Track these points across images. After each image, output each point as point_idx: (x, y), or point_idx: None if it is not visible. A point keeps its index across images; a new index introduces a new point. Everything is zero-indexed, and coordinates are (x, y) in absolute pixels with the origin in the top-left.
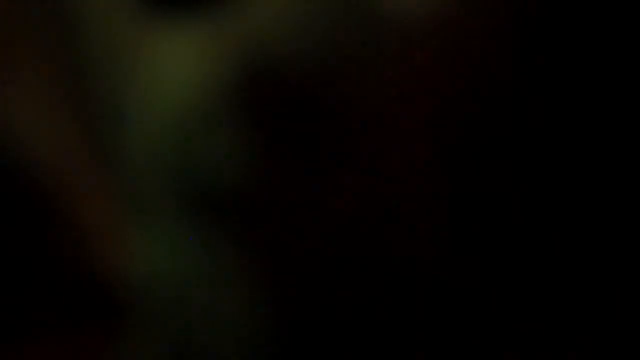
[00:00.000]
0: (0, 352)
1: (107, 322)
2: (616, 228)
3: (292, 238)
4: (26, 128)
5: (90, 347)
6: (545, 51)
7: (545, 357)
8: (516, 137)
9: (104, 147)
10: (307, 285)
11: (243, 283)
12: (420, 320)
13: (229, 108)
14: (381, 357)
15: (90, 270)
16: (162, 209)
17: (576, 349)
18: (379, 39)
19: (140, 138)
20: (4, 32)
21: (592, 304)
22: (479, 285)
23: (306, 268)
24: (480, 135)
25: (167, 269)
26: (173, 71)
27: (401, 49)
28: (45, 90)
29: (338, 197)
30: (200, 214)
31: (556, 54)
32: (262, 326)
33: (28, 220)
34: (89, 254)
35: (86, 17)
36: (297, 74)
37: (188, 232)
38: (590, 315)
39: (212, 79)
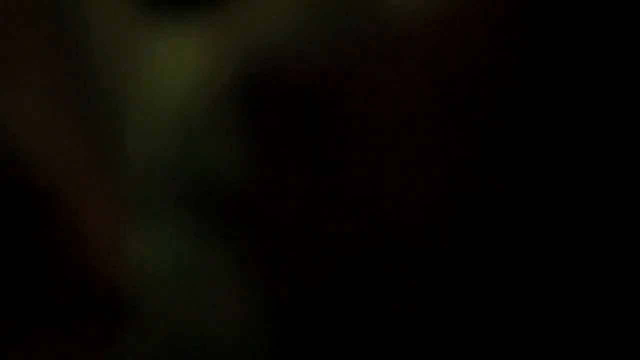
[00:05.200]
0: (0, 352)
1: (107, 322)
2: (617, 229)
3: (292, 238)
4: (26, 128)
5: (90, 347)
6: (547, 51)
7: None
8: (518, 137)
9: (104, 147)
10: (307, 285)
11: (243, 283)
12: (419, 320)
13: (229, 108)
14: (379, 358)
15: (90, 270)
16: (162, 209)
17: (575, 351)
18: (379, 39)
19: (141, 138)
20: (3, 31)
21: (592, 306)
22: (481, 287)
23: (306, 268)
24: (481, 135)
25: (167, 269)
26: (173, 71)
27: (402, 50)
28: (44, 90)
29: (338, 198)
30: (201, 214)
31: (558, 53)
32: (262, 326)
33: (27, 220)
34: (89, 254)
35: (86, 17)
36: (297, 75)
37: (188, 232)
38: (590, 317)
39: (212, 79)
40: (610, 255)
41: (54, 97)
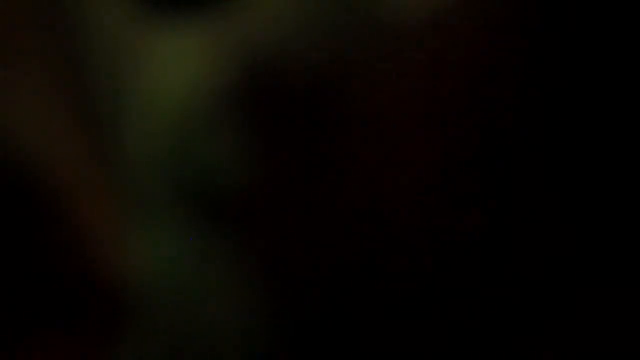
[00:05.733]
0: (0, 352)
1: (107, 322)
2: (617, 229)
3: (292, 239)
4: (26, 128)
5: (90, 347)
6: (547, 50)
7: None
8: (518, 137)
9: (104, 148)
10: (307, 285)
11: (243, 283)
12: (419, 320)
13: (229, 109)
14: (379, 358)
15: (91, 271)
16: (162, 209)
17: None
18: (379, 39)
19: (141, 138)
20: (3, 32)
21: (593, 307)
22: (481, 287)
23: (306, 269)
24: (481, 135)
25: (167, 269)
26: (173, 71)
27: (402, 49)
28: (45, 91)
29: (338, 198)
30: (201, 214)
31: (558, 53)
32: (262, 327)
33: (28, 220)
34: (89, 255)
35: (86, 17)
36: (297, 75)
37: (188, 233)
38: (590, 317)
39: (212, 79)
40: (610, 255)
41: (54, 97)
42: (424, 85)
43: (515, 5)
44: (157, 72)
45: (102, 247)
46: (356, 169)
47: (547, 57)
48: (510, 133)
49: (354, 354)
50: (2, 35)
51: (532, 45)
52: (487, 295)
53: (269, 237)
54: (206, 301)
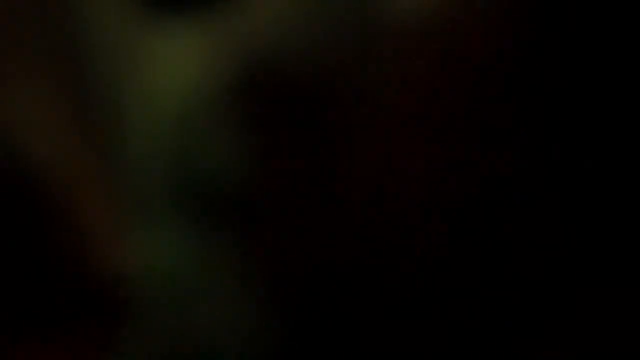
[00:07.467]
0: (0, 352)
1: (107, 322)
2: (617, 229)
3: (292, 238)
4: (27, 128)
5: (90, 346)
6: (546, 50)
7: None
8: (518, 136)
9: (104, 147)
10: (308, 286)
11: (243, 283)
12: (419, 320)
13: (229, 108)
14: (379, 358)
15: (90, 270)
16: (162, 209)
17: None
18: (379, 38)
19: (141, 138)
20: (4, 32)
21: (592, 306)
22: (481, 287)
23: (306, 268)
24: (481, 134)
25: (167, 269)
26: (173, 71)
27: (401, 49)
28: (45, 90)
29: (338, 198)
30: (201, 213)
31: (557, 53)
32: (262, 326)
33: (28, 220)
34: (89, 254)
35: (87, 17)
36: (297, 74)
37: (188, 233)
38: (590, 317)
39: (212, 79)
40: (610, 255)
41: (54, 97)
42: (423, 85)
43: (515, 4)
44: (157, 72)
45: (102, 247)
46: (356, 169)
47: (547, 56)
48: (510, 133)
49: (354, 354)
50: (4, 36)
51: (532, 44)
52: (488, 295)
53: (268, 237)
54: (206, 301)
